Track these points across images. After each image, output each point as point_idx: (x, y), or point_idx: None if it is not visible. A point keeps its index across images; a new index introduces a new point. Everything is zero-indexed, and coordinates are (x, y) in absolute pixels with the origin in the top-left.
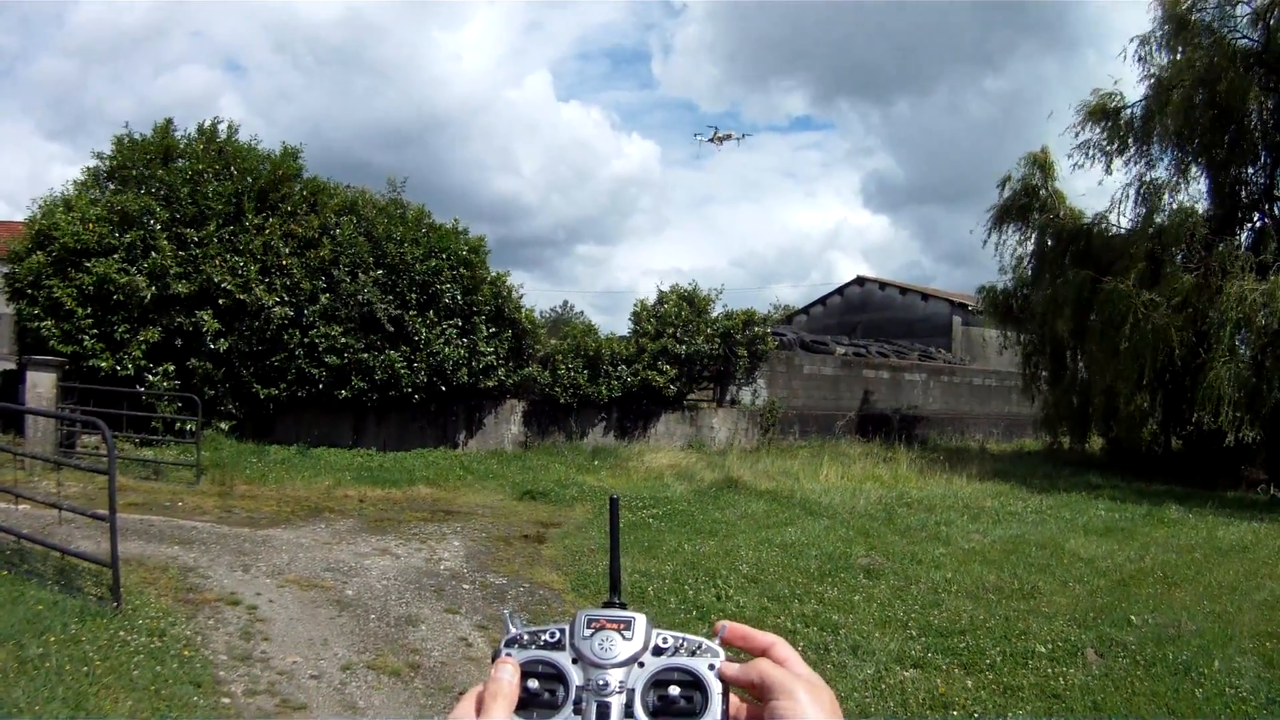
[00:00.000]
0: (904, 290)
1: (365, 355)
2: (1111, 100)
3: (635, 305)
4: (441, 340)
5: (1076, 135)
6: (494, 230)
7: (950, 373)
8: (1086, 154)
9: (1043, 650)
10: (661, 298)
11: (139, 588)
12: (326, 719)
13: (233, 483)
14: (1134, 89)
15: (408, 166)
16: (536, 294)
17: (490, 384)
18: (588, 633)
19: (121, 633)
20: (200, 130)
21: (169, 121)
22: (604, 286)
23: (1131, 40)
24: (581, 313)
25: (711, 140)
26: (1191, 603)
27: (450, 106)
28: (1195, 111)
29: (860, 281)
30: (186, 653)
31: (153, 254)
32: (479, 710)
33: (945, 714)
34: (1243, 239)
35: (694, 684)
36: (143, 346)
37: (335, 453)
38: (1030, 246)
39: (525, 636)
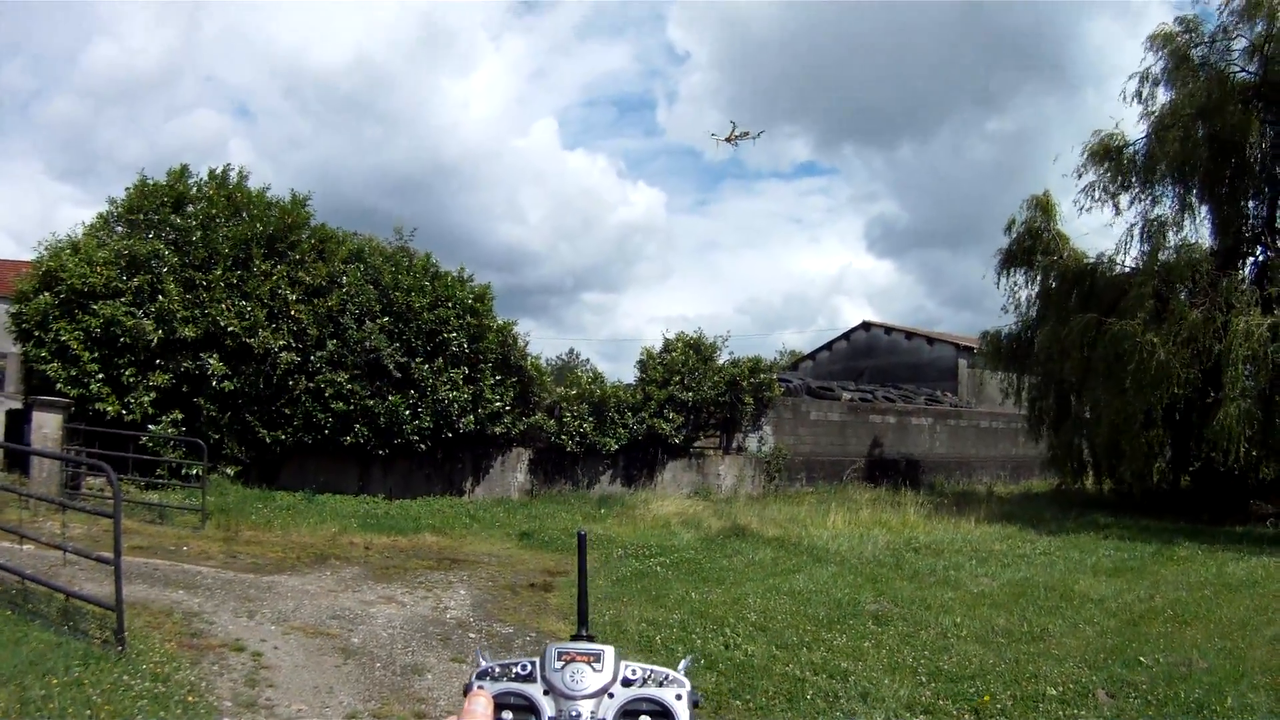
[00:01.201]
0: (910, 335)
1: (371, 402)
2: (1113, 140)
3: (641, 353)
4: (448, 386)
5: (1080, 177)
6: (501, 278)
7: (957, 416)
8: (1092, 196)
9: (1053, 693)
10: (668, 345)
11: (143, 632)
12: None
13: (238, 528)
14: (1135, 127)
15: (415, 214)
16: (543, 341)
17: (496, 431)
18: (558, 665)
19: (125, 676)
20: (212, 176)
21: (184, 167)
22: (609, 333)
23: (1130, 78)
24: (588, 360)
25: (727, 139)
26: (1202, 640)
27: (458, 154)
28: (1196, 146)
29: (866, 326)
30: (190, 699)
31: (160, 297)
32: None
33: None
34: (1246, 273)
35: (663, 713)
36: (151, 393)
37: (341, 499)
38: (1035, 289)
39: (497, 669)
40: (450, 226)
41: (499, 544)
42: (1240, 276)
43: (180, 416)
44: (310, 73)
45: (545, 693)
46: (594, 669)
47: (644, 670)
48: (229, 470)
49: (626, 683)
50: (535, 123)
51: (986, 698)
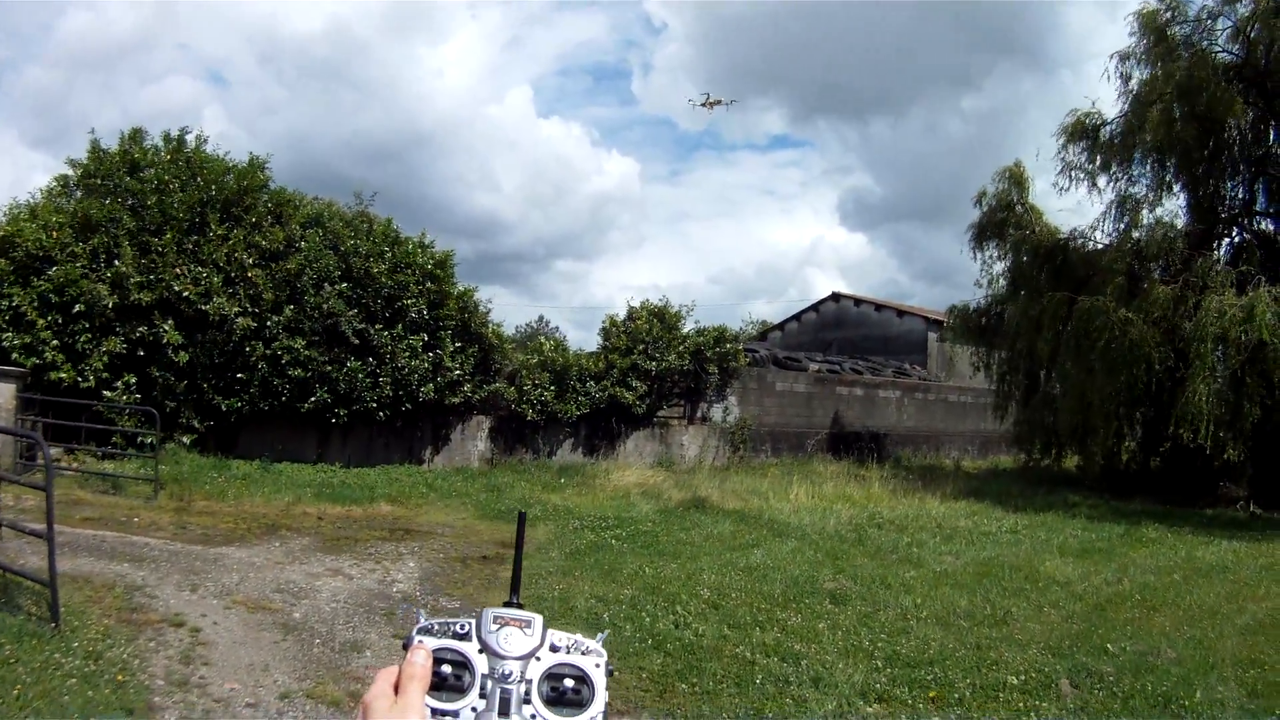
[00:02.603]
0: (879, 307)
1: (329, 368)
2: (1090, 119)
3: (605, 321)
4: (407, 354)
5: (1059, 156)
6: (473, 246)
7: (925, 390)
8: (1069, 175)
9: (1014, 682)
10: (632, 313)
11: (82, 607)
12: None
13: (191, 498)
14: (1112, 107)
15: (389, 181)
16: (513, 309)
17: (456, 400)
18: (493, 627)
19: (57, 655)
20: (167, 139)
21: (137, 130)
22: (581, 302)
23: (1111, 57)
24: (557, 328)
25: (704, 105)
26: (1171, 628)
27: (432, 122)
28: (1175, 125)
29: (836, 298)
30: (121, 677)
31: (116, 263)
32: (396, 690)
33: None
34: (1221, 254)
35: (582, 679)
36: (104, 358)
37: (298, 468)
38: (1006, 263)
39: (435, 626)
40: (424, 194)
41: (455, 514)
42: (1215, 257)
43: (135, 383)
44: (284, 39)
45: (480, 651)
46: (525, 633)
47: (568, 639)
48: (185, 439)
49: (553, 649)
50: (510, 91)
51: (933, 693)
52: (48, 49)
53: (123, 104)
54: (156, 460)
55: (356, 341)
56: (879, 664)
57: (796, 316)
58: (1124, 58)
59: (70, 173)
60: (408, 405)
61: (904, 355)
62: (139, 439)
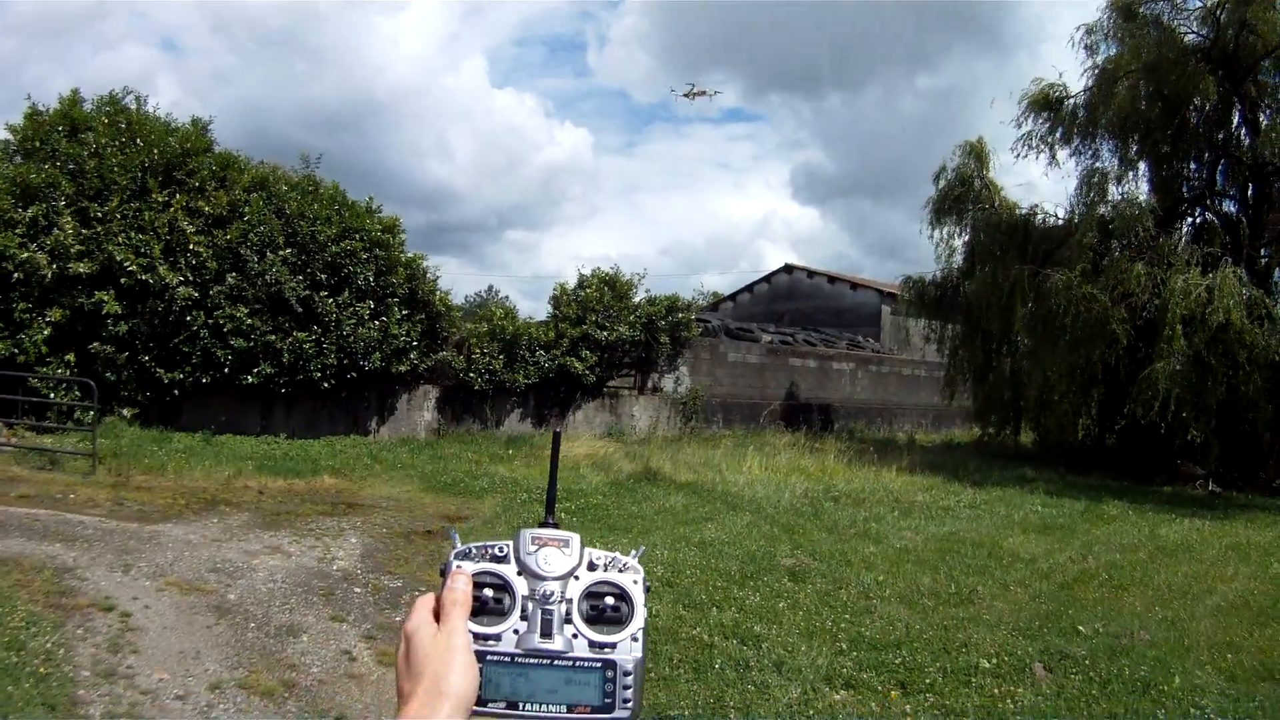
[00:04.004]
0: (832, 279)
1: (273, 337)
2: (1054, 91)
3: (555, 289)
4: (353, 321)
5: (1019, 126)
6: (425, 215)
7: (878, 362)
8: (1030, 145)
9: (986, 665)
10: (582, 281)
11: (10, 592)
12: None
13: (129, 473)
14: (1077, 80)
15: (342, 150)
16: (464, 279)
17: (403, 369)
18: (532, 548)
19: None
20: (106, 101)
21: (75, 93)
22: (531, 272)
23: (1078, 28)
24: (506, 297)
25: (686, 95)
26: (1142, 609)
27: (386, 91)
28: (1140, 103)
29: (788, 269)
30: (44, 669)
31: (55, 230)
32: (438, 617)
33: None
34: (1184, 233)
35: (622, 596)
36: (43, 330)
37: (241, 440)
38: (964, 237)
39: (473, 550)
40: (377, 163)
41: (400, 487)
42: (1178, 236)
43: (75, 356)
44: (238, 6)
45: (519, 573)
46: (563, 553)
47: (607, 556)
48: (126, 413)
49: (591, 567)
50: (465, 60)
51: (901, 677)
52: (4, 16)
53: (76, 72)
54: (94, 434)
55: (301, 310)
56: (843, 646)
57: (749, 288)
58: (1090, 31)
59: (9, 138)
60: (353, 374)
61: (857, 328)
62: (78, 413)
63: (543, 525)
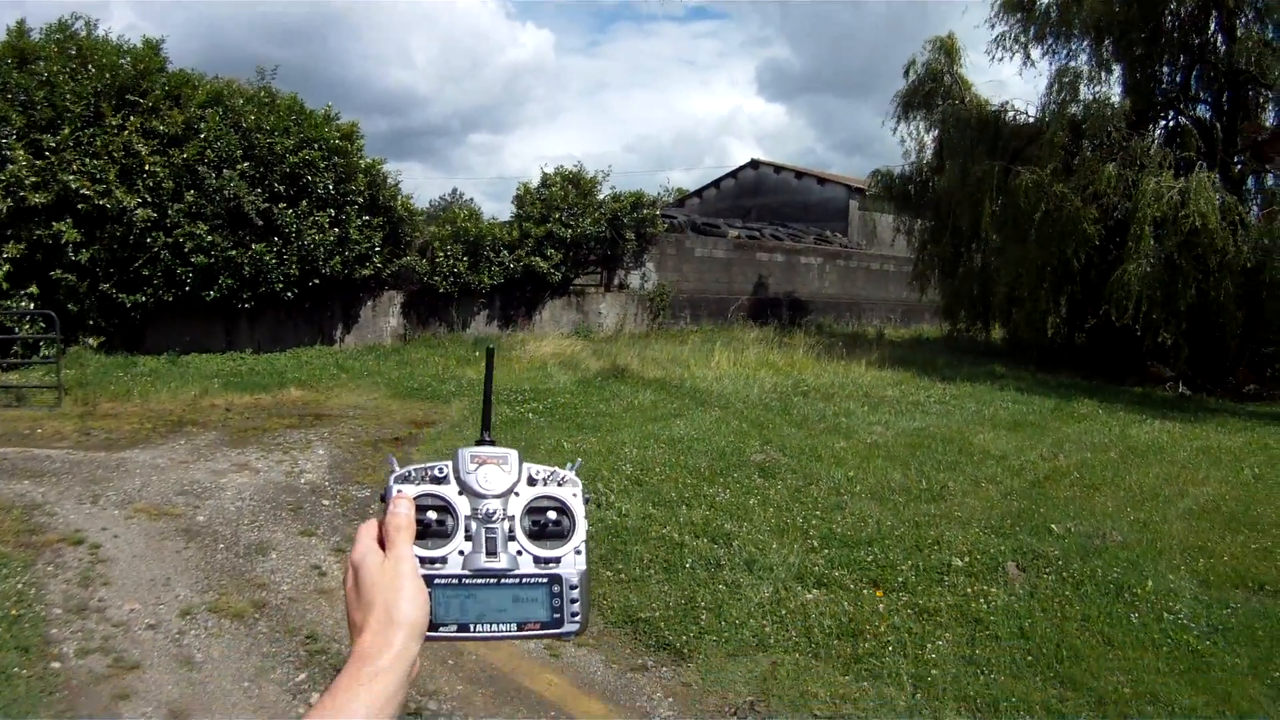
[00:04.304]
0: (800, 174)
1: (233, 252)
2: None
3: (518, 188)
4: (313, 230)
5: (993, 27)
6: (389, 122)
7: (847, 257)
8: (1003, 46)
9: (959, 564)
10: (546, 180)
11: None
12: (159, 678)
13: (96, 401)
14: None
15: (302, 61)
16: (429, 183)
17: (365, 274)
18: (471, 467)
19: None
20: (54, 29)
21: (21, 22)
22: (496, 174)
23: None
24: (471, 200)
25: None
26: (1114, 510)
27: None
28: (1115, 5)
29: (755, 165)
30: (15, 611)
31: (8, 165)
32: (383, 544)
33: (856, 644)
34: (1157, 135)
35: (563, 510)
36: (4, 265)
37: (206, 358)
38: (934, 133)
39: (413, 473)
40: (337, 73)
41: (366, 395)
42: (1151, 139)
43: (37, 290)
44: None
45: (460, 493)
46: (502, 470)
47: (545, 471)
48: (91, 341)
49: (531, 481)
50: None
51: (874, 575)
52: None
53: (27, 6)
54: (59, 366)
55: (261, 223)
56: (815, 544)
57: (715, 183)
58: None
59: None
60: (315, 282)
61: (825, 223)
62: (44, 346)
63: (479, 443)
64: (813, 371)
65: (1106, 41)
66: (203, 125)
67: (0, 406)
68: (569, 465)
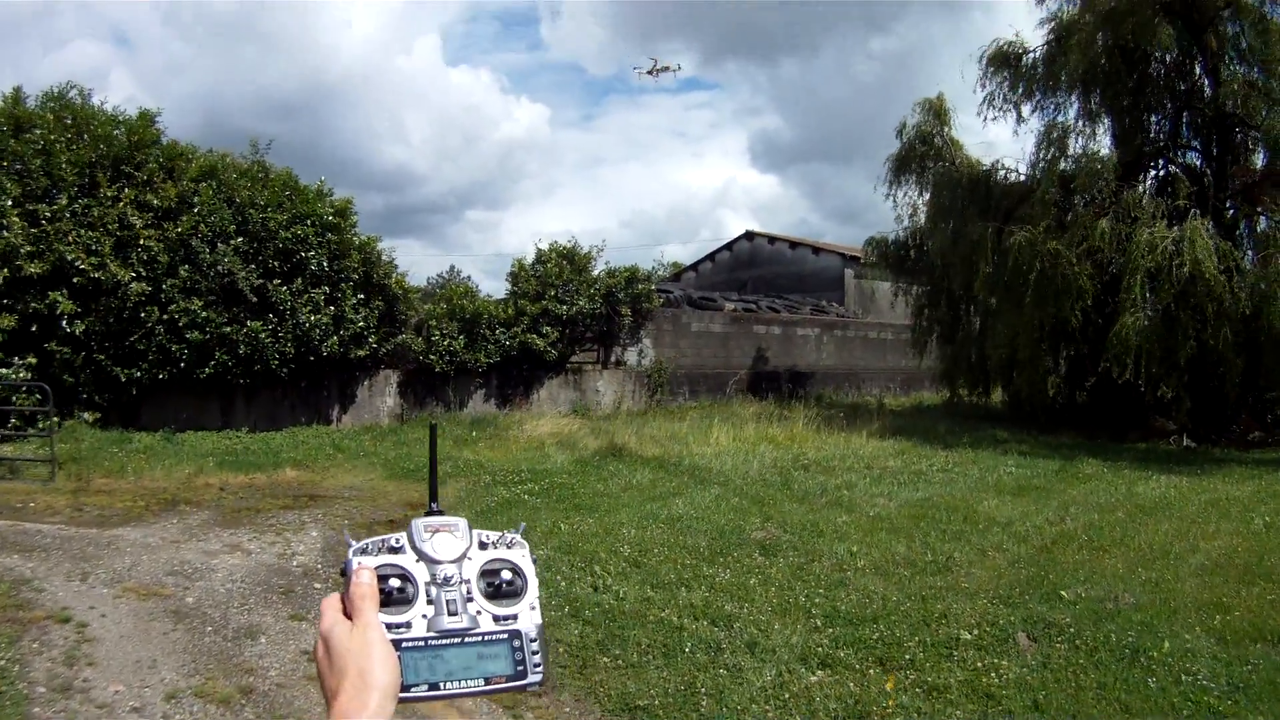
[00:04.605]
0: (794, 244)
1: (228, 329)
2: (1012, 48)
3: (513, 265)
4: (308, 309)
5: (982, 87)
6: (385, 199)
7: (844, 327)
8: (993, 106)
9: (968, 637)
10: (540, 256)
11: None
12: None
13: (90, 477)
14: (1034, 34)
15: (299, 137)
16: (426, 260)
17: (361, 353)
18: (426, 535)
19: None
20: (50, 96)
21: (18, 90)
22: (494, 250)
23: None
24: (469, 277)
25: (650, 73)
26: (1125, 571)
27: (340, 75)
28: (1100, 57)
29: (750, 236)
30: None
31: (4, 233)
32: (349, 614)
33: None
34: (1148, 186)
35: (515, 570)
36: (1, 337)
37: (202, 436)
38: (926, 195)
39: (370, 546)
40: (333, 149)
41: (363, 475)
42: (1142, 189)
43: (34, 361)
44: None
45: (417, 561)
46: (455, 536)
47: (494, 535)
48: (87, 416)
49: (482, 545)
50: (418, 39)
51: (880, 654)
52: None
53: (27, 73)
54: (52, 439)
55: (255, 299)
56: (818, 623)
57: (710, 256)
58: None
59: None
60: (311, 359)
61: (820, 293)
62: (40, 419)
63: (429, 513)
64: (813, 444)
65: (1094, 93)
66: (196, 199)
67: None
68: (517, 528)
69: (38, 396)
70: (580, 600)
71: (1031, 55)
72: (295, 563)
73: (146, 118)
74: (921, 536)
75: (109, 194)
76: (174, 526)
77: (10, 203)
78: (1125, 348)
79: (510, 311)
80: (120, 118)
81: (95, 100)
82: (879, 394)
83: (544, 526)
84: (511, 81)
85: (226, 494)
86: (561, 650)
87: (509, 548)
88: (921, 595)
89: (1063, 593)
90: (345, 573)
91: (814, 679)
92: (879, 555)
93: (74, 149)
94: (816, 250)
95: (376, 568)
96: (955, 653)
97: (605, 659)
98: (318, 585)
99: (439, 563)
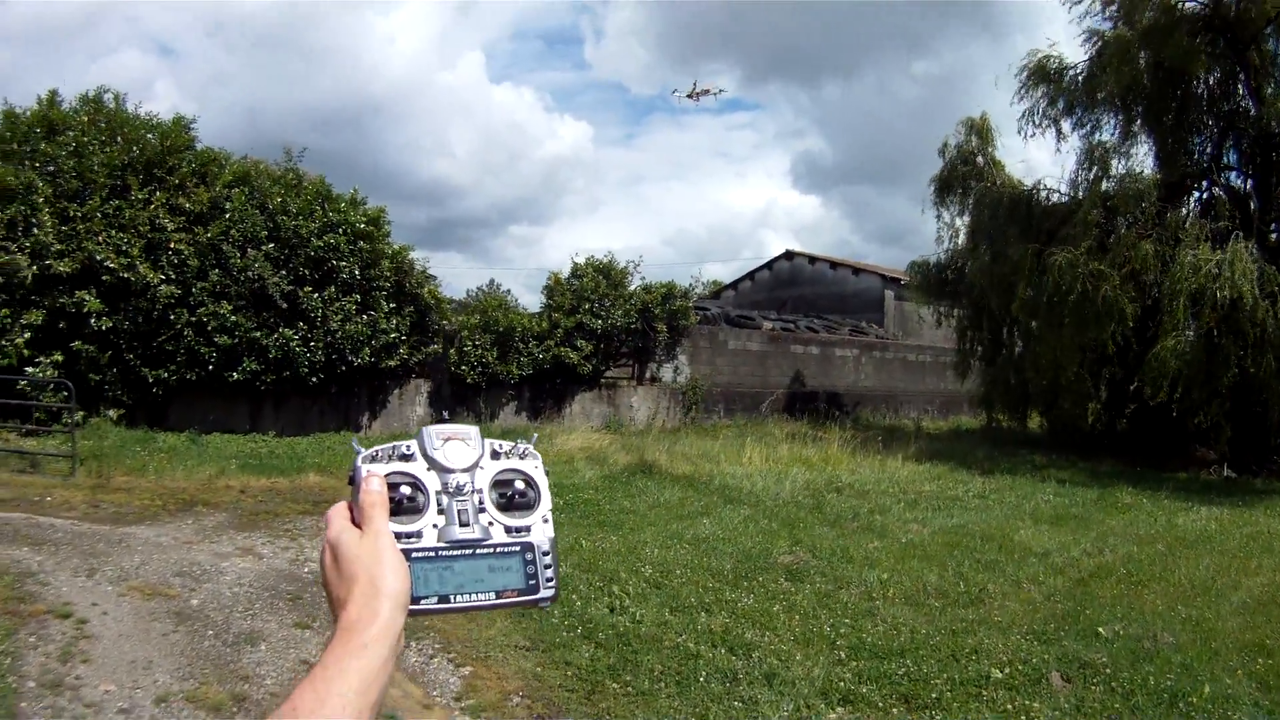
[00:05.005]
0: (835, 265)
1: (258, 334)
2: (1050, 62)
3: (549, 278)
4: (340, 317)
5: (1020, 100)
6: (428, 213)
7: (883, 348)
8: (1033, 122)
9: (999, 675)
10: (576, 270)
11: None
12: None
13: (110, 474)
14: (1076, 50)
15: (342, 150)
16: (468, 274)
17: (393, 363)
18: (438, 444)
19: None
20: (85, 100)
21: (54, 93)
22: (536, 265)
23: None
24: (508, 291)
25: (690, 96)
26: (1164, 608)
27: (384, 89)
28: (1142, 75)
29: (790, 256)
30: None
31: (35, 231)
32: (358, 522)
33: None
34: (1192, 207)
35: (528, 482)
36: (25, 332)
37: (227, 439)
38: (967, 217)
39: (380, 453)
40: (377, 161)
41: None
42: (1186, 211)
43: (60, 359)
44: (233, 7)
45: (428, 469)
46: (467, 445)
47: (507, 445)
48: (111, 413)
49: (494, 455)
50: (462, 56)
51: (904, 690)
52: None
53: (73, 81)
54: (74, 436)
55: (285, 306)
56: (842, 655)
57: (750, 275)
58: None
59: None
60: (342, 369)
61: (860, 314)
62: (65, 415)
63: (440, 421)
64: (848, 467)
65: (1135, 111)
66: (228, 204)
67: (14, 472)
68: (530, 439)
69: (64, 393)
70: (595, 621)
71: (1073, 72)
72: (307, 569)
73: (180, 123)
74: (955, 565)
75: (140, 196)
76: (188, 527)
77: (42, 200)
78: (1163, 370)
79: (544, 325)
80: (154, 122)
81: (132, 106)
82: (916, 417)
83: (565, 542)
84: (555, 99)
85: (246, 497)
86: (570, 674)
87: (521, 458)
88: (952, 629)
89: (1100, 630)
90: (354, 480)
91: (833, 716)
92: (910, 584)
93: (107, 151)
94: (857, 271)
95: (386, 475)
96: (984, 692)
97: (615, 685)
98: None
99: (451, 471)
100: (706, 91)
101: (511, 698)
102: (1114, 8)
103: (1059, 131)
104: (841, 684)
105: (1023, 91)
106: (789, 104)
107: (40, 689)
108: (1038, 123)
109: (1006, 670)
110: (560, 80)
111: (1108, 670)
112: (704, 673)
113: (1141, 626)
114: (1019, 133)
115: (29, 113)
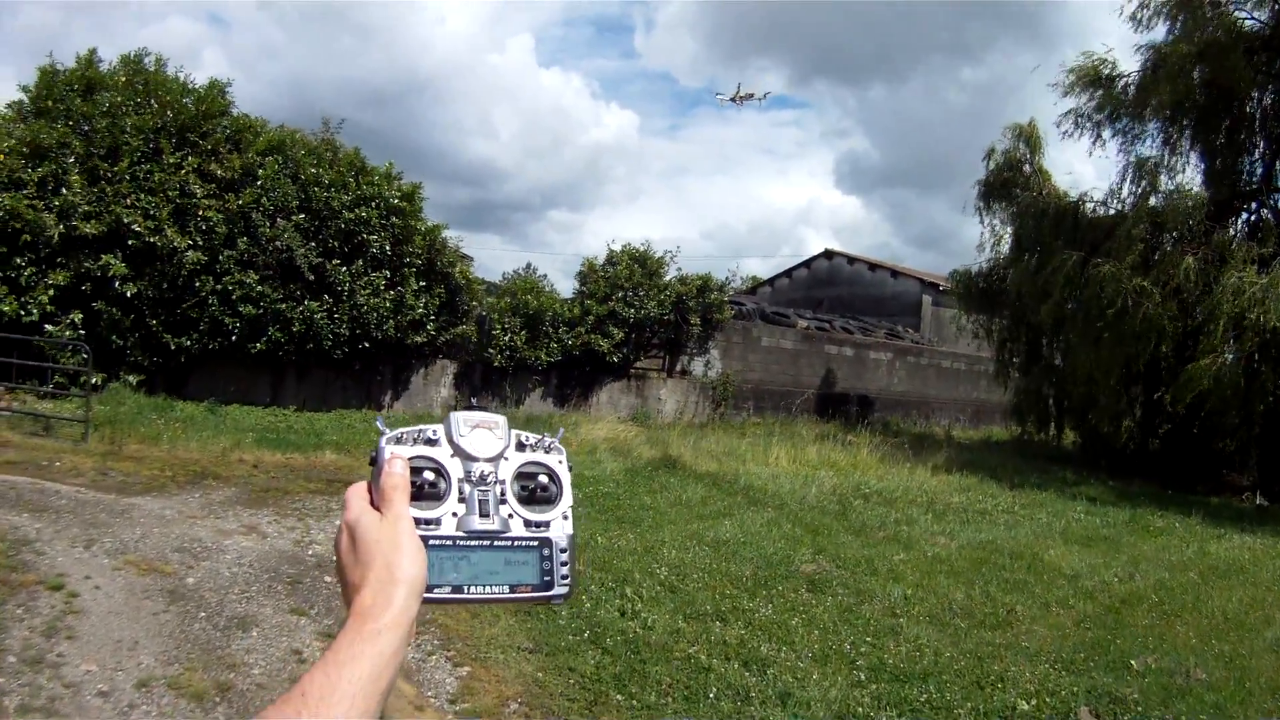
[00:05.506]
0: (873, 266)
1: (283, 305)
2: (1104, 67)
3: (583, 264)
4: (367, 291)
5: (1066, 96)
6: (470, 193)
7: (918, 353)
8: (1075, 124)
9: (1025, 707)
10: (611, 257)
11: None
12: None
13: (124, 441)
14: (1128, 58)
15: (387, 127)
16: (506, 256)
17: (419, 340)
18: (464, 431)
19: None
20: (125, 60)
21: (93, 52)
22: (574, 252)
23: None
24: (544, 276)
25: (733, 99)
26: (1197, 641)
27: (432, 68)
28: (1193, 89)
29: (829, 255)
30: None
31: (64, 190)
32: (377, 503)
33: None
34: (1239, 228)
35: (551, 476)
36: (49, 291)
37: (246, 411)
38: (1011, 225)
39: (404, 435)
40: (421, 140)
41: None
42: (1233, 232)
43: (80, 319)
44: None
45: (452, 456)
46: (494, 434)
47: (534, 437)
48: (131, 379)
49: (520, 446)
50: (511, 39)
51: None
52: None
53: (121, 46)
54: (88, 400)
55: (312, 278)
56: (862, 676)
57: (788, 273)
58: (1143, 4)
59: (24, 99)
60: (366, 344)
61: (897, 317)
62: (81, 377)
63: (468, 408)
64: (876, 473)
65: (1185, 126)
66: (261, 173)
67: (27, 434)
68: (557, 433)
69: (83, 355)
70: (604, 625)
71: (1124, 80)
72: (311, 551)
73: (216, 87)
74: (982, 584)
75: (172, 160)
76: (195, 501)
77: (73, 160)
78: (1197, 391)
79: (576, 311)
80: (190, 86)
81: (173, 71)
82: (948, 425)
83: (581, 538)
84: (602, 87)
85: (258, 472)
86: (572, 681)
87: (547, 452)
88: (977, 652)
89: (1131, 662)
90: (376, 461)
91: None
92: (935, 602)
93: (141, 114)
94: (895, 274)
95: (410, 459)
96: None
97: (619, 696)
98: (328, 579)
99: (475, 460)
100: (750, 95)
101: (509, 703)
102: (1174, 22)
103: (1098, 136)
104: (860, 709)
105: (1070, 89)
106: (835, 104)
107: (20, 665)
108: (1078, 123)
109: (1033, 701)
110: (609, 68)
111: (1139, 707)
112: (714, 688)
113: (1174, 660)
114: (1057, 125)
115: (67, 71)
